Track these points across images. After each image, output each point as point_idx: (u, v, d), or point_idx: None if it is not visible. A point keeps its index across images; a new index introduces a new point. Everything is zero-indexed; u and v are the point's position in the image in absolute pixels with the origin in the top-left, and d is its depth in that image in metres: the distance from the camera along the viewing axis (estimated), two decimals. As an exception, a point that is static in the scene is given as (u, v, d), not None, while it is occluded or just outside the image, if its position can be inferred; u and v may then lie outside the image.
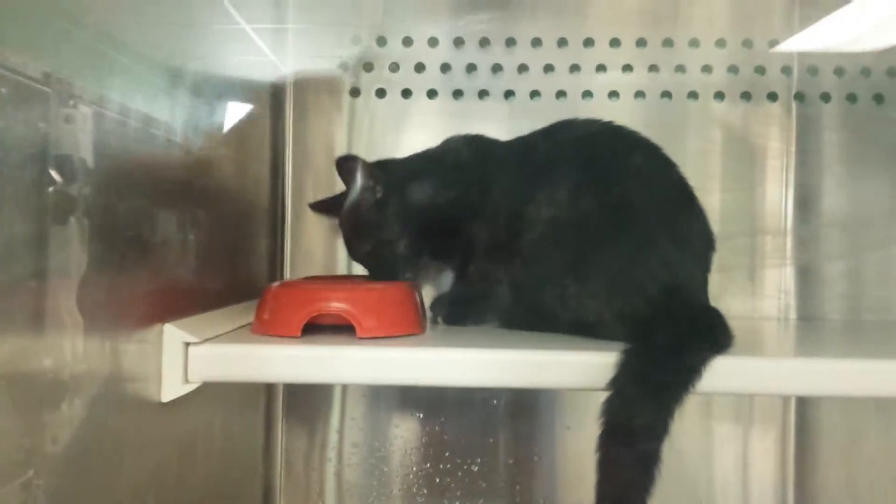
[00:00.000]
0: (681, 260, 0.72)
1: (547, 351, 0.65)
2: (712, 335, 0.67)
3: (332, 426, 1.01)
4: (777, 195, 0.99)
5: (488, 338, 0.73)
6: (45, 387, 0.46)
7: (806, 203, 1.00)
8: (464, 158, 0.84)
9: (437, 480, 1.00)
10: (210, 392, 0.71)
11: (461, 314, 0.82)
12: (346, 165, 0.82)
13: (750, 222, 1.00)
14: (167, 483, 0.66)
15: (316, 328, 0.69)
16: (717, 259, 0.79)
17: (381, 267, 0.84)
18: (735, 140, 1.00)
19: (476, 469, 1.00)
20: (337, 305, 0.69)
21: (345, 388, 1.01)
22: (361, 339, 0.68)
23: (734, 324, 0.70)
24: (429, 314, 0.82)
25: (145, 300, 0.60)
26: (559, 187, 0.76)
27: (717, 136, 1.00)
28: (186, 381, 0.63)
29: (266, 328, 0.70)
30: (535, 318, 0.76)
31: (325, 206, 0.90)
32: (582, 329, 0.73)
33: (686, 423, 0.97)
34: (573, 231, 0.74)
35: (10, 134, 0.42)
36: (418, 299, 0.76)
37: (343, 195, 0.84)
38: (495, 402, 1.00)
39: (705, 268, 0.75)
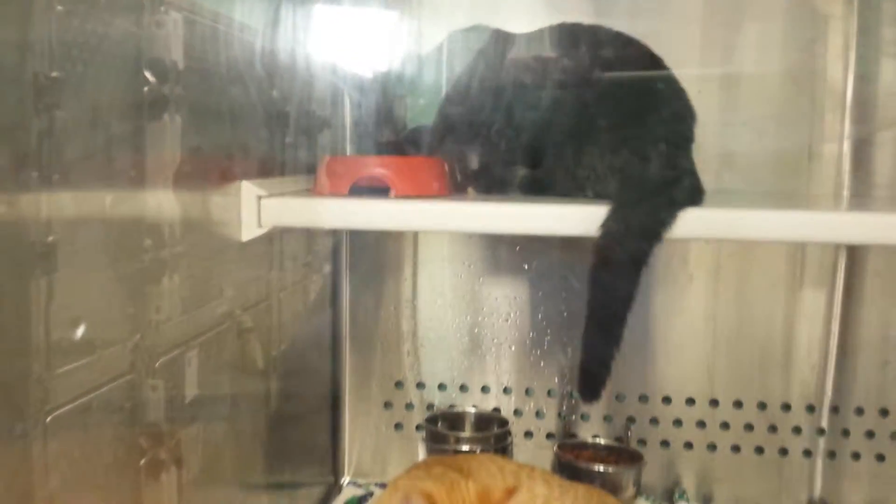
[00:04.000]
0: (663, 129, 0.86)
1: (543, 205, 0.80)
2: (685, 190, 0.81)
3: (395, 281, 1.19)
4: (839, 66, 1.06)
5: (501, 199, 0.89)
6: (150, 229, 0.65)
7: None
8: (496, 52, 0.98)
9: (476, 331, 1.17)
10: (280, 244, 0.90)
11: (487, 184, 0.97)
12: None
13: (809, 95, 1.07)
14: (253, 306, 0.85)
15: (362, 191, 0.86)
16: (773, 136, 1.00)
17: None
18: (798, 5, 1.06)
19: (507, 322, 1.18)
20: (378, 171, 0.86)
21: (404, 246, 1.18)
22: (396, 197, 0.84)
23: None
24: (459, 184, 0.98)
25: (228, 163, 0.78)
26: (564, 82, 0.91)
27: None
28: (259, 225, 0.81)
29: (322, 189, 0.87)
30: (547, 185, 0.92)
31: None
32: (583, 190, 0.88)
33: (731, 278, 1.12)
34: (576, 115, 0.89)
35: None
36: (447, 170, 0.92)
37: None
38: (526, 266, 1.15)
39: (688, 136, 0.88)
